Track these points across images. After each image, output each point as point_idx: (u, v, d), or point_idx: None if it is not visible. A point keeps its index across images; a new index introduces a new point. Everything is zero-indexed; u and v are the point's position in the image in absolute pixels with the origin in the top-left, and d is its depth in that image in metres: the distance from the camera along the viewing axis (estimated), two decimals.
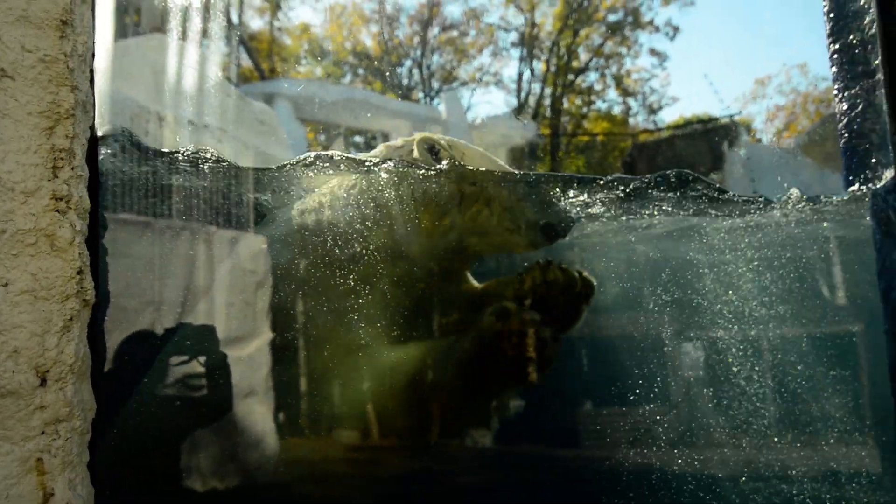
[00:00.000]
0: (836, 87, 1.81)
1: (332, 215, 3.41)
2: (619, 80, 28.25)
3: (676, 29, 26.39)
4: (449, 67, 28.76)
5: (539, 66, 27.63)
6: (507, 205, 3.39)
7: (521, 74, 27.79)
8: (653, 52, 27.34)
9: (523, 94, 27.66)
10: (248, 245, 3.85)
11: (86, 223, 1.16)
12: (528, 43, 27.44)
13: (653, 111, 28.34)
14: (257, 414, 3.55)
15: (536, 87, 27.63)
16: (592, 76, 28.46)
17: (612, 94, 28.81)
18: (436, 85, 29.05)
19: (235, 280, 3.61)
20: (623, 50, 27.81)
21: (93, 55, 1.18)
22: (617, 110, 28.59)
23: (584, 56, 27.71)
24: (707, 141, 17.54)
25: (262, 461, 3.49)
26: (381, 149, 3.54)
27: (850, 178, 1.85)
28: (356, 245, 3.32)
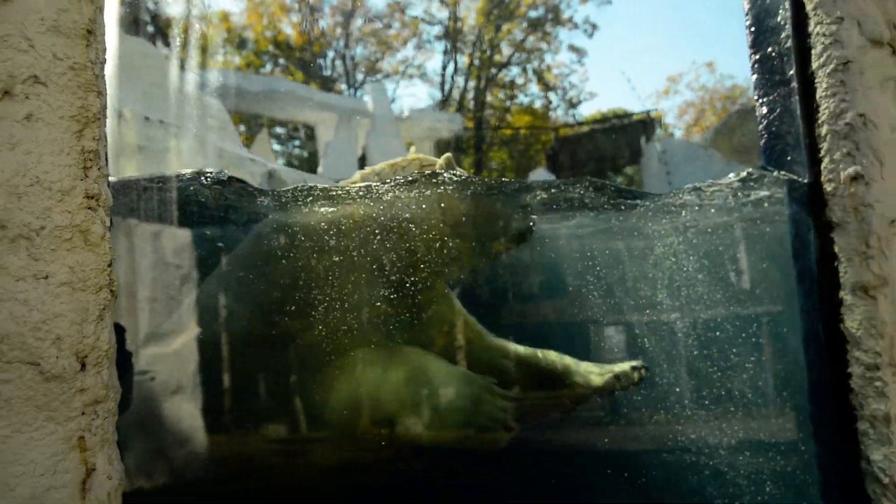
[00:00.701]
0: (756, 93, 2.04)
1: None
2: (540, 75, 28.83)
3: (594, 26, 27.20)
4: (373, 59, 28.51)
5: (463, 60, 27.86)
6: (493, 213, 3.52)
7: (445, 67, 27.93)
8: (572, 48, 28.08)
9: (447, 88, 27.81)
10: (172, 239, 3.79)
11: (109, 219, 1.23)
12: (452, 36, 27.59)
13: (572, 105, 29.12)
14: (184, 410, 3.51)
15: (460, 81, 27.85)
16: (514, 70, 28.93)
17: (534, 88, 29.40)
18: (360, 77, 28.74)
19: (159, 275, 3.55)
20: (544, 45, 28.41)
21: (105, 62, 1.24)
22: (538, 104, 29.19)
23: (506, 50, 28.11)
24: (625, 135, 18.26)
25: (190, 458, 3.45)
26: (383, 166, 3.56)
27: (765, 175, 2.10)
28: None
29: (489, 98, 28.06)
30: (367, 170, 3.61)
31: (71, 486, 1.07)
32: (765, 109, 1.97)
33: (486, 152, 25.63)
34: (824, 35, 1.72)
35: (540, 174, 18.68)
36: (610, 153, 18.01)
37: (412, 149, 20.05)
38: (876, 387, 1.72)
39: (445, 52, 27.81)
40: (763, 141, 2.00)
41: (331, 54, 27.28)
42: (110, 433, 1.17)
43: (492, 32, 26.94)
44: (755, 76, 2.02)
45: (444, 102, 26.89)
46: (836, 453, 1.90)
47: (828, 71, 1.73)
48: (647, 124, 17.92)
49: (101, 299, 1.17)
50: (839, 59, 1.69)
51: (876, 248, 1.67)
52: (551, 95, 29.08)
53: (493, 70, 27.93)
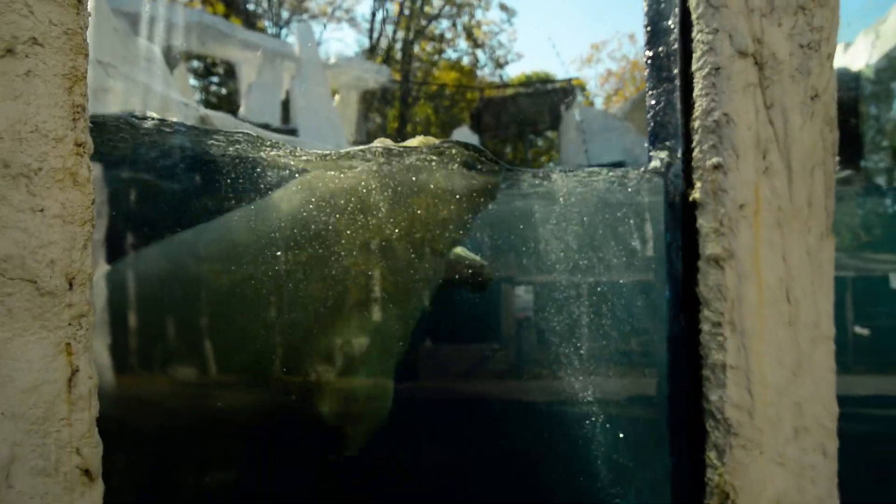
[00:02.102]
0: (648, 85, 2.34)
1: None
2: (469, 31, 28.77)
3: None
4: None
5: (392, 8, 27.39)
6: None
7: (374, 14, 27.38)
8: (503, 7, 28.14)
9: (376, 35, 27.32)
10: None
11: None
12: None
13: (499, 65, 29.33)
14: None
15: (389, 30, 27.40)
16: (445, 24, 28.74)
17: (463, 44, 29.34)
18: (285, 15, 27.72)
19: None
20: (474, 1, 28.29)
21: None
22: (466, 61, 29.20)
23: (437, 2, 27.82)
24: (547, 101, 18.69)
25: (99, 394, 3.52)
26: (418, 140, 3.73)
27: (652, 156, 2.42)
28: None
29: (417, 51, 27.81)
30: (421, 139, 3.80)
31: (60, 381, 1.37)
32: (653, 101, 2.28)
33: (412, 106, 25.55)
34: (703, 42, 2.02)
35: (464, 132, 18.90)
36: (532, 117, 18.42)
37: (337, 97, 19.73)
38: (718, 341, 2.09)
39: None
40: (650, 128, 2.30)
41: None
42: (89, 342, 1.49)
43: None
44: (648, 71, 2.31)
45: (371, 51, 26.44)
46: (686, 396, 2.28)
47: (703, 74, 2.03)
48: (567, 92, 18.39)
49: (85, 231, 1.44)
50: (712, 65, 2.00)
51: (727, 227, 2.02)
52: (479, 53, 29.14)
53: (423, 21, 27.63)
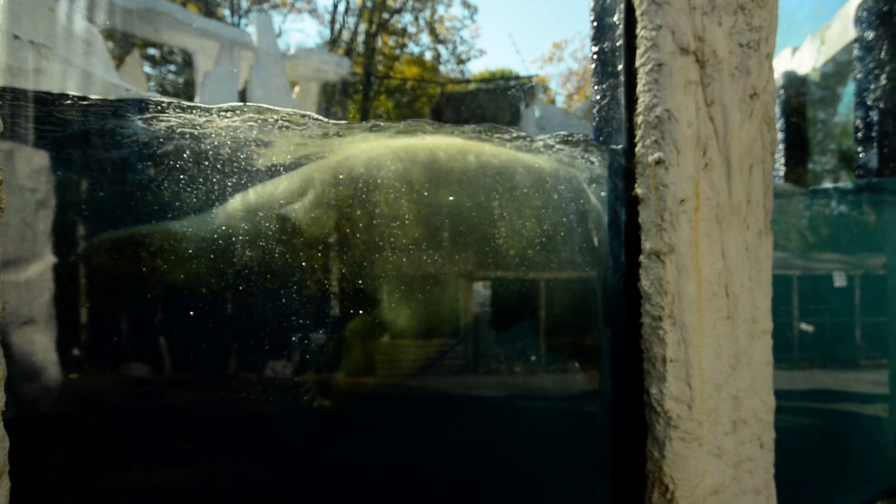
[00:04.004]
0: (593, 80, 2.35)
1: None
2: (432, 26, 28.70)
3: None
4: None
5: (355, 0, 27.14)
6: None
7: (336, 6, 27.09)
8: (465, 3, 28.15)
9: (337, 27, 27.05)
10: (27, 160, 3.65)
11: None
12: None
13: (461, 61, 29.33)
14: (36, 343, 3.45)
15: (351, 22, 27.17)
16: (407, 17, 28.61)
17: (425, 39, 29.27)
18: (245, 4, 27.26)
19: (11, 198, 3.41)
20: None
21: None
22: (428, 56, 29.13)
23: None
24: (507, 97, 18.80)
25: (41, 392, 3.41)
26: None
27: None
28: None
29: (379, 44, 27.64)
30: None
31: None
32: (598, 97, 2.29)
33: (373, 100, 25.38)
34: (646, 39, 2.03)
35: None
36: (492, 113, 18.50)
37: (296, 89, 19.45)
38: (658, 334, 2.11)
39: None
40: (594, 123, 2.31)
41: None
42: None
43: None
44: (594, 66, 2.32)
45: (333, 43, 26.17)
46: (627, 389, 2.30)
47: (646, 70, 2.04)
48: (527, 90, 18.52)
49: None
50: (655, 61, 2.01)
51: (668, 222, 2.04)
52: (441, 49, 29.10)
53: (386, 15, 27.46)
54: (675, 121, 2.01)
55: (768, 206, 2.25)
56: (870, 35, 4.17)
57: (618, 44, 2.17)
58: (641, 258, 2.13)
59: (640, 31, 2.05)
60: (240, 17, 26.93)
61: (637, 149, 2.11)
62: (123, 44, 17.02)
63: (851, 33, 4.46)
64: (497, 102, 18.68)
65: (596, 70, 2.30)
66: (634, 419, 2.30)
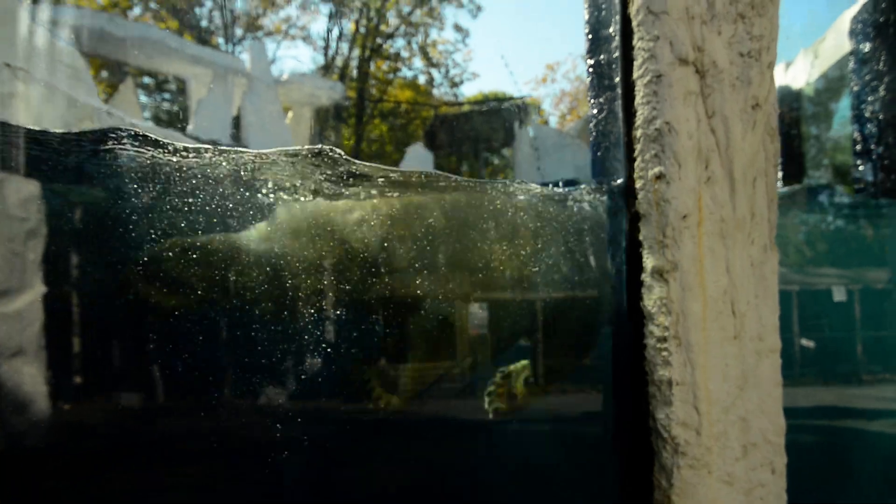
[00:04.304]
0: (589, 94, 2.28)
1: None
2: (424, 50, 28.92)
3: (479, 8, 27.65)
4: (254, 14, 27.32)
5: (348, 26, 27.35)
6: None
7: (329, 32, 27.29)
8: (457, 27, 28.44)
9: (331, 53, 27.22)
10: (17, 190, 3.58)
11: None
12: (338, 0, 26.99)
13: (454, 84, 29.50)
14: (25, 375, 3.38)
15: (344, 48, 27.34)
16: (400, 42, 28.82)
17: (418, 63, 29.47)
18: (239, 32, 27.45)
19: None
20: (430, 20, 28.50)
21: None
22: (422, 80, 29.31)
23: (393, 21, 27.92)
24: (501, 118, 18.85)
25: (30, 425, 3.34)
26: None
27: (596, 168, 2.36)
28: None
29: (372, 69, 27.80)
30: None
31: None
32: (595, 111, 2.22)
33: (366, 124, 25.44)
34: (644, 50, 1.97)
35: (417, 150, 18.87)
36: (486, 134, 18.53)
37: (290, 114, 19.48)
38: (663, 356, 2.02)
39: (331, 16, 27.16)
40: (592, 138, 2.24)
41: (209, 4, 25.82)
42: None
43: (379, 1, 26.64)
44: (590, 80, 2.25)
45: (326, 69, 26.30)
46: (632, 414, 2.20)
47: (645, 81, 1.98)
48: (521, 109, 18.58)
49: None
50: (654, 73, 1.95)
51: (671, 238, 1.96)
52: (434, 72, 29.28)
53: (379, 40, 27.65)
54: (675, 133, 1.93)
55: (773, 221, 2.17)
56: (866, 47, 4.14)
57: (614, 56, 2.11)
58: (644, 276, 2.05)
59: (638, 43, 1.99)
60: (234, 44, 27.12)
61: (636, 163, 2.04)
62: (117, 72, 17.04)
63: (846, 46, 4.44)
64: (491, 123, 18.71)
65: (592, 84, 2.24)
66: (640, 445, 2.19)
